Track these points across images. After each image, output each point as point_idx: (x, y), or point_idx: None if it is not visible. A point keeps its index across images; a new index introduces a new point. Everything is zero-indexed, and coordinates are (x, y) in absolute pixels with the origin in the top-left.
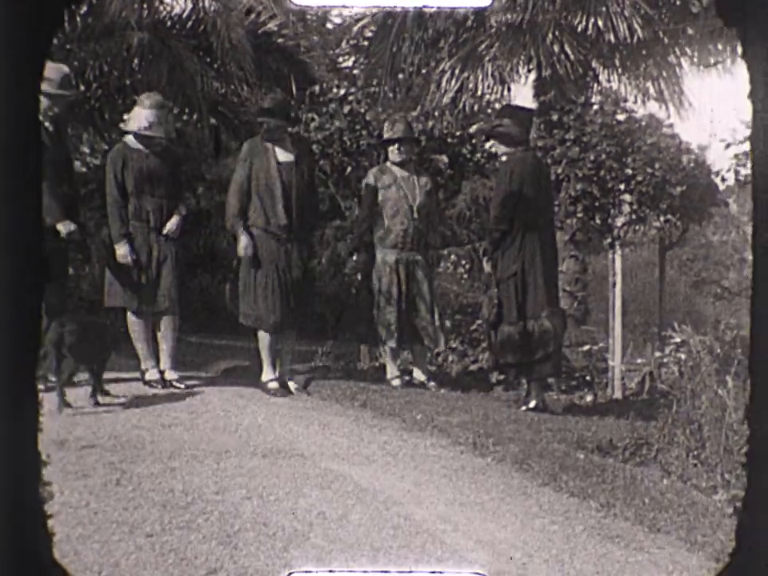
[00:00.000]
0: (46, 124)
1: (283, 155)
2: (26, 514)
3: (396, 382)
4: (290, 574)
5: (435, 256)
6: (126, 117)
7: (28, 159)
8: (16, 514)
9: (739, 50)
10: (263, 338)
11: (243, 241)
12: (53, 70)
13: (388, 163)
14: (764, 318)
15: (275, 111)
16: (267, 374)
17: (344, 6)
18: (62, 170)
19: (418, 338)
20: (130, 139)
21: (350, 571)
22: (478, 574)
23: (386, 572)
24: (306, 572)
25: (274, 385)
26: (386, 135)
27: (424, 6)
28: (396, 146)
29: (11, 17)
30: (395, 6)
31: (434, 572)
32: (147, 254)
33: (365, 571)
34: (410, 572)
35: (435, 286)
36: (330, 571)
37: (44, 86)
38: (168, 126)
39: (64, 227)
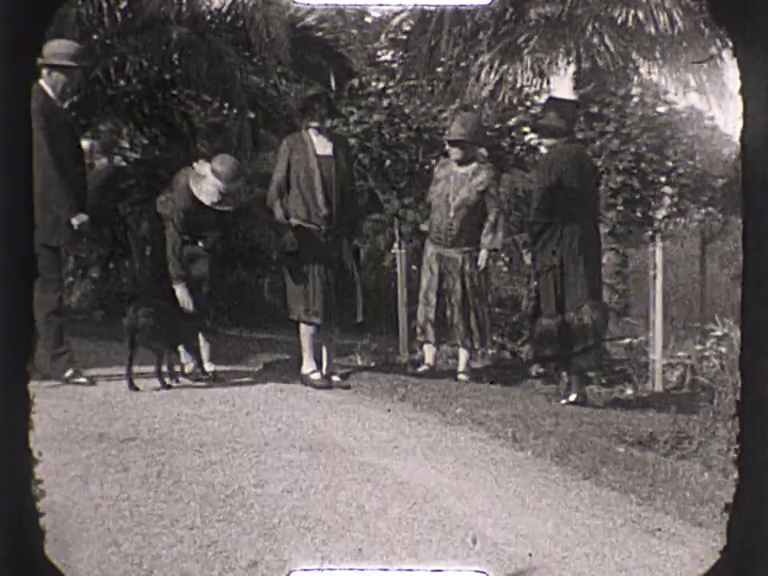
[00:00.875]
0: (59, 104)
1: (322, 148)
2: (18, 513)
3: (423, 368)
4: (291, 572)
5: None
6: (195, 166)
7: (19, 156)
8: (8, 513)
9: (730, 46)
10: (305, 330)
11: (285, 236)
12: (64, 45)
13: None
14: (756, 313)
15: (322, 98)
16: (308, 367)
17: (344, 6)
18: (70, 157)
19: (451, 335)
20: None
21: (350, 569)
22: (479, 572)
23: (385, 570)
24: (307, 571)
25: (315, 377)
26: (445, 137)
27: (423, 5)
28: (455, 147)
29: (9, 17)
30: (393, 5)
31: (435, 570)
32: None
33: (364, 569)
34: (410, 570)
35: (475, 284)
36: (330, 569)
37: (59, 60)
38: (240, 196)
39: (77, 220)
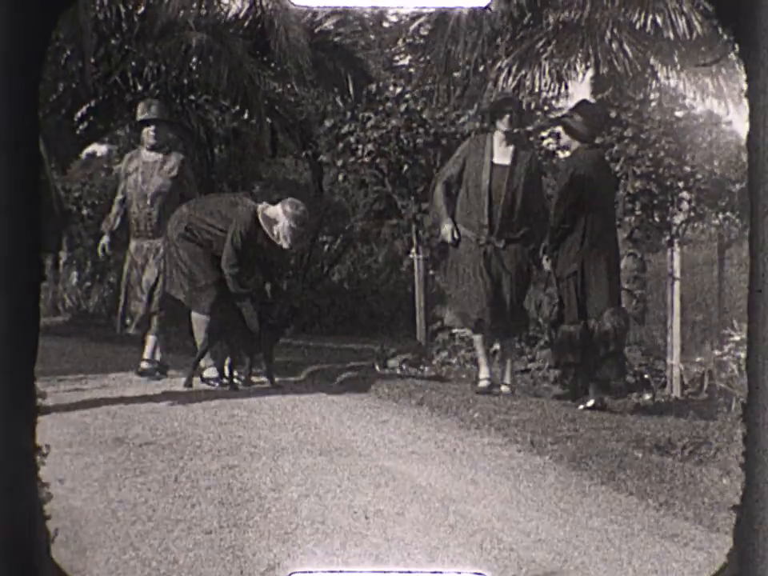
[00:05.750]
0: None
1: (500, 156)
2: (24, 515)
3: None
4: (292, 574)
5: None
6: (264, 208)
7: (27, 154)
8: (14, 515)
9: (737, 48)
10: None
11: (446, 227)
12: None
13: (141, 147)
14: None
15: (513, 103)
16: None
17: (346, 7)
18: None
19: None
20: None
21: (351, 571)
22: (478, 573)
23: (386, 572)
24: (308, 572)
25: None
26: (140, 117)
27: (422, 7)
28: (151, 128)
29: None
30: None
31: (434, 572)
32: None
33: (365, 571)
34: (410, 572)
35: None
36: (331, 571)
37: None
38: (305, 240)
39: None
